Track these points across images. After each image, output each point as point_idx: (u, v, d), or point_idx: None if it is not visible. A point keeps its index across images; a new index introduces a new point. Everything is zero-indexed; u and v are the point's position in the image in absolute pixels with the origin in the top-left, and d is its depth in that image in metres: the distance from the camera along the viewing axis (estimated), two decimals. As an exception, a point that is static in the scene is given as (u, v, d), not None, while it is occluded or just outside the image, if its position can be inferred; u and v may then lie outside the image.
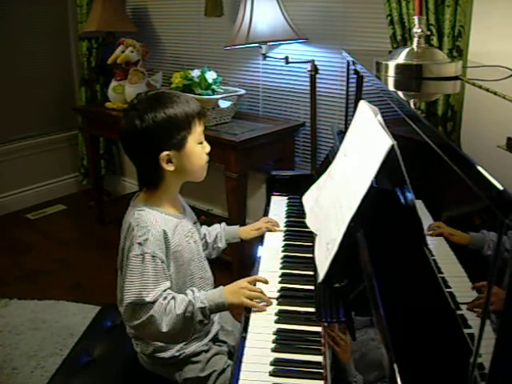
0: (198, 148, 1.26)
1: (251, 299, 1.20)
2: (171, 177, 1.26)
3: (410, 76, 1.29)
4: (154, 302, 1.15)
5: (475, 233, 0.74)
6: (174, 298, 1.19)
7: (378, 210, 1.18)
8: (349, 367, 0.95)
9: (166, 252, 1.22)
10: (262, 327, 1.14)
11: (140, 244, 1.17)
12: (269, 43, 2.42)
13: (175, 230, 1.25)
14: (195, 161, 1.26)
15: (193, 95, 2.45)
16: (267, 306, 1.20)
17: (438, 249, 0.93)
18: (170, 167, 1.22)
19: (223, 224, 1.55)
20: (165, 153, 1.20)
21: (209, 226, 1.53)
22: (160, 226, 1.21)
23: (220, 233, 1.51)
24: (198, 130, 1.25)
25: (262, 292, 1.22)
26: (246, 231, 1.54)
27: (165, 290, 1.18)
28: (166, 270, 1.21)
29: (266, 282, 1.27)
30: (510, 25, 1.80)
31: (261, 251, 1.45)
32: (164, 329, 1.15)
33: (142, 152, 1.23)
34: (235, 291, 1.21)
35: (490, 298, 0.62)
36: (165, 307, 1.16)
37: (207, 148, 1.30)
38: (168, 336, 1.19)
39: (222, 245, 1.51)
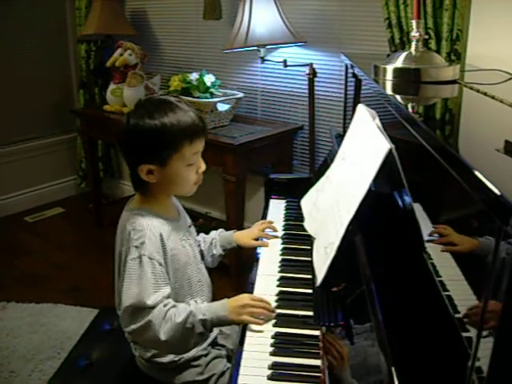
0: (184, 170, 1.22)
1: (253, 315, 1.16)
2: (155, 187, 1.24)
3: (408, 80, 1.29)
4: (153, 307, 1.13)
5: (478, 238, 0.74)
6: (174, 306, 1.16)
7: (376, 214, 1.18)
8: (345, 376, 0.94)
9: (164, 255, 1.21)
10: (260, 331, 1.14)
11: (137, 247, 1.17)
12: (267, 46, 2.42)
13: (170, 233, 1.25)
14: (178, 181, 1.24)
15: (191, 98, 2.46)
16: (268, 320, 1.16)
17: (436, 252, 0.93)
18: (151, 179, 1.21)
19: (219, 230, 1.53)
20: (144, 165, 1.19)
21: (207, 229, 1.53)
22: (156, 230, 1.20)
23: (215, 239, 1.48)
24: (187, 153, 1.19)
25: (265, 307, 1.17)
26: (244, 239, 1.50)
27: (167, 297, 1.17)
28: (165, 273, 1.20)
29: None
30: (507, 28, 1.81)
31: (259, 254, 1.45)
32: (162, 337, 1.13)
33: (127, 160, 1.24)
34: (237, 308, 1.16)
35: (487, 302, 0.62)
36: (164, 313, 1.14)
37: (201, 168, 1.26)
38: (167, 345, 1.16)
39: (216, 251, 1.47)
